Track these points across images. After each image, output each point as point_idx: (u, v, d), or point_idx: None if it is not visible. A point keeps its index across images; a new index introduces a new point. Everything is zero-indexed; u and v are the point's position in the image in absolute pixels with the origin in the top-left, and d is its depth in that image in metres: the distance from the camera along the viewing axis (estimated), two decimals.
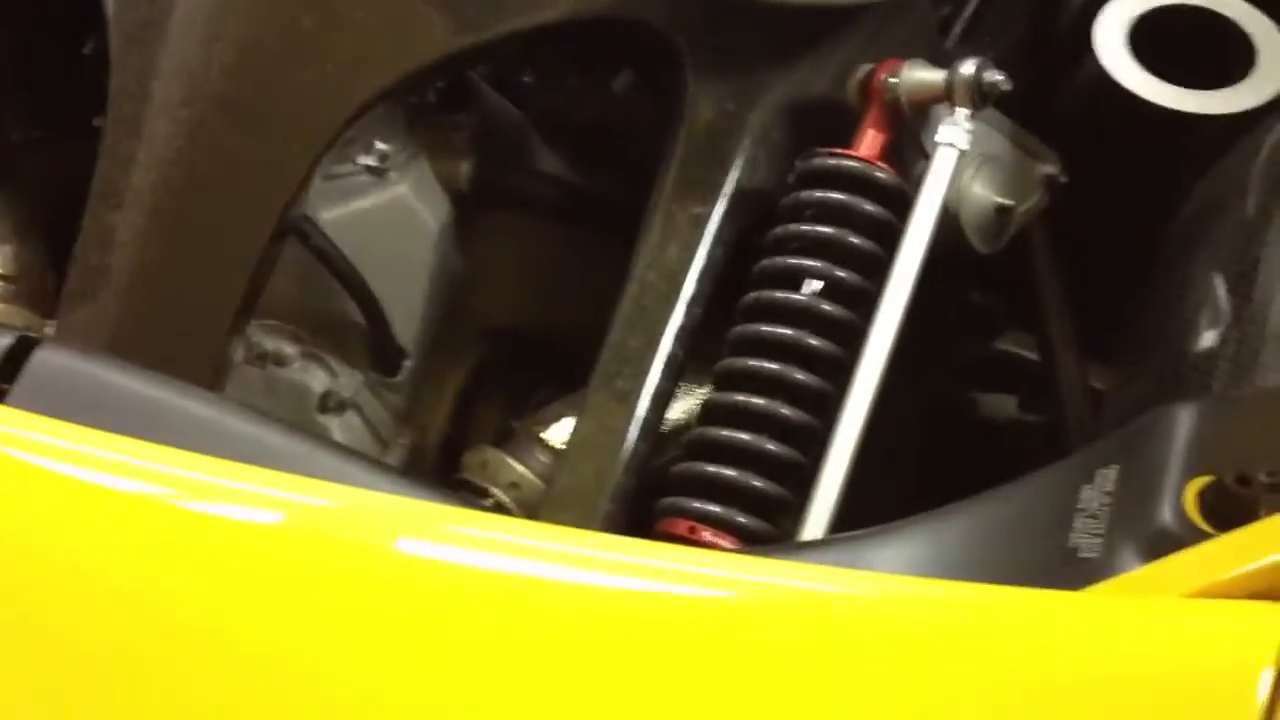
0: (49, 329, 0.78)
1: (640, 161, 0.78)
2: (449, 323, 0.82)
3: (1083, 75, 0.76)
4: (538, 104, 0.84)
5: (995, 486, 0.52)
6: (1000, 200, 0.72)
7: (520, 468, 0.75)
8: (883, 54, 0.71)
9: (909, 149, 0.71)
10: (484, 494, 0.75)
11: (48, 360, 0.55)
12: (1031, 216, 0.76)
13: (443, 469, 0.82)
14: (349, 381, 0.78)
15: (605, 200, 0.82)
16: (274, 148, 0.68)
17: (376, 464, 0.61)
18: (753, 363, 0.65)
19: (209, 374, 0.67)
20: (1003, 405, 0.89)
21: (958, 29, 0.83)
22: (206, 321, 0.67)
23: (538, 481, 0.74)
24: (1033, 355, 0.85)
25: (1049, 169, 0.76)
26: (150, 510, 0.46)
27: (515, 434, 0.78)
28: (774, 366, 0.64)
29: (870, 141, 0.70)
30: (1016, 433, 0.89)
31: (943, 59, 0.71)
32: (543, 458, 0.76)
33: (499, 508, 0.74)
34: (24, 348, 0.55)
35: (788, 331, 0.65)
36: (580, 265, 0.84)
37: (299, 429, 0.55)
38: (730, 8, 0.69)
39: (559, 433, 0.77)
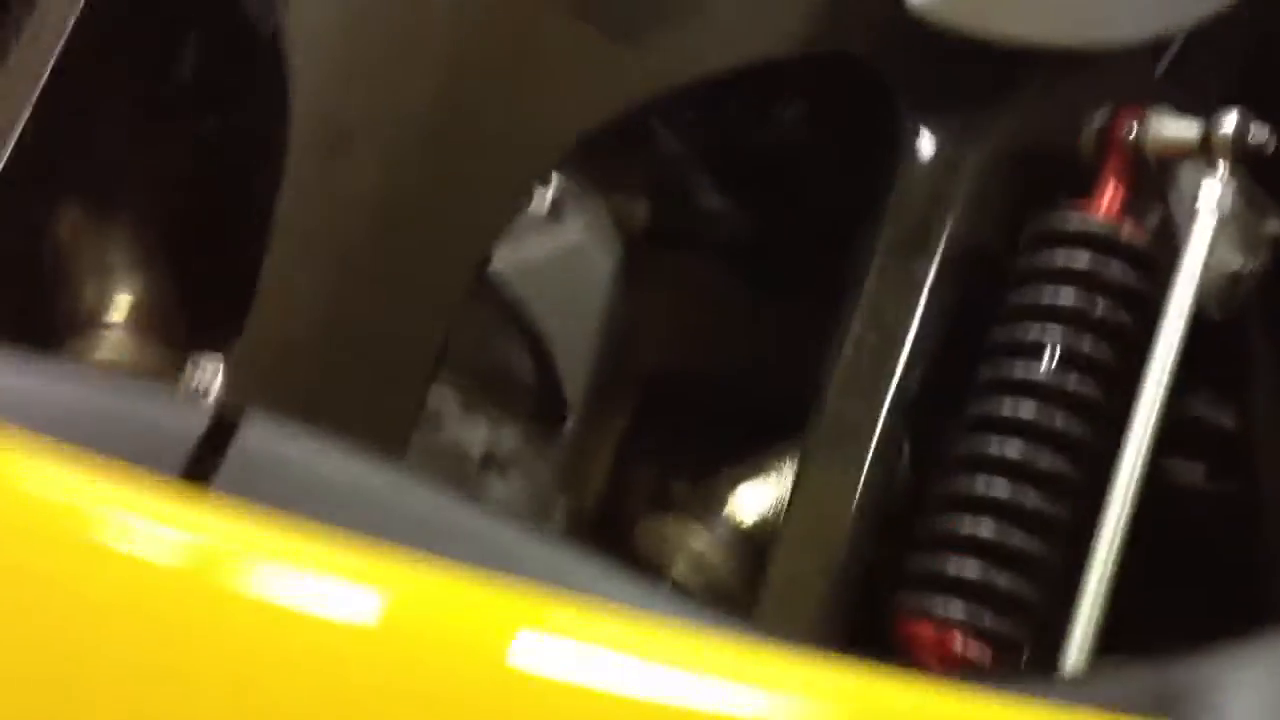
0: (194, 365, 0.73)
1: (813, 200, 0.74)
2: (610, 371, 0.77)
3: None
4: (700, 136, 0.79)
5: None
6: (1239, 263, 0.67)
7: (703, 545, 0.69)
8: (1117, 98, 0.66)
9: (1150, 204, 0.66)
10: (660, 571, 0.70)
11: (253, 440, 0.49)
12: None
13: (601, 534, 0.77)
14: (510, 436, 0.73)
15: (778, 242, 0.77)
16: (479, 187, 0.62)
17: (632, 577, 0.54)
18: (1000, 447, 0.60)
19: (404, 435, 0.61)
20: (1189, 472, 0.84)
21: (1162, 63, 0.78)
22: (403, 379, 0.61)
23: (723, 562, 0.69)
24: (1224, 419, 0.81)
25: (1276, 227, 0.70)
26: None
27: (690, 502, 0.73)
28: (1024, 452, 0.59)
29: (1112, 197, 0.64)
30: (1202, 502, 0.84)
31: (1184, 104, 0.66)
32: (726, 533, 0.70)
33: (677, 588, 0.69)
34: (226, 427, 0.49)
35: (1036, 412, 0.60)
36: (747, 310, 0.79)
37: (536, 528, 0.49)
38: (950, 41, 0.64)
39: (743, 503, 0.71)
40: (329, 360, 0.62)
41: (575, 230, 0.73)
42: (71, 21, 0.67)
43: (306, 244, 0.61)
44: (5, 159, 0.66)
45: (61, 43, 0.67)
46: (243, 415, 0.49)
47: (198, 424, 0.50)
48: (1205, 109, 0.67)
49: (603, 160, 0.74)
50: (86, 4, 0.68)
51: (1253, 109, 0.70)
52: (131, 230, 0.77)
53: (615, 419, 0.81)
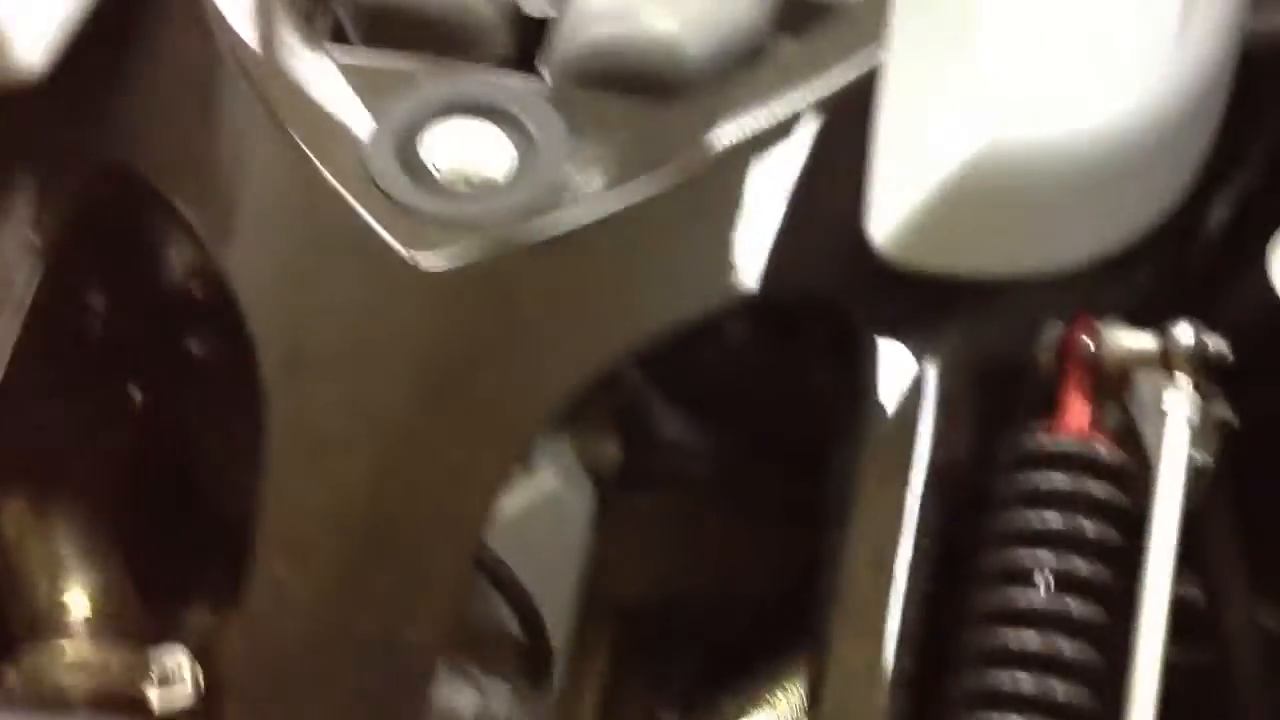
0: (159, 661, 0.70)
1: (779, 425, 0.74)
2: (590, 610, 0.76)
3: (1250, 299, 0.74)
4: (662, 371, 0.79)
5: None
6: (1201, 458, 0.69)
7: None
8: (1067, 311, 0.68)
9: (1109, 408, 0.68)
10: None
11: None
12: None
13: None
14: (500, 697, 0.71)
15: (748, 469, 0.78)
16: (463, 477, 0.61)
17: None
18: (1009, 681, 0.60)
19: None
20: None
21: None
22: (403, 682, 0.59)
23: None
24: (1193, 594, 0.83)
25: (1224, 414, 0.73)
26: None
27: None
28: (1036, 684, 0.59)
29: (1079, 413, 0.66)
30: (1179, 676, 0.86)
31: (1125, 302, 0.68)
32: None
33: None
34: None
35: (1039, 641, 0.60)
36: (721, 535, 0.78)
37: None
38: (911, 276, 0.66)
39: None
40: (324, 664, 0.60)
41: (549, 479, 0.73)
42: (17, 326, 0.66)
43: (295, 552, 0.60)
44: None
45: (8, 349, 0.66)
46: None
47: None
48: (1146, 306, 0.70)
49: (571, 403, 0.76)
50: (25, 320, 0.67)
51: (1183, 303, 0.74)
52: (79, 519, 0.75)
53: (599, 657, 0.80)
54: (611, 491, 0.75)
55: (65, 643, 0.69)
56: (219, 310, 0.69)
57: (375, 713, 0.58)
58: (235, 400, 0.73)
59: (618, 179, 0.65)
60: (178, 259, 0.74)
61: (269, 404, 0.61)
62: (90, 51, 0.68)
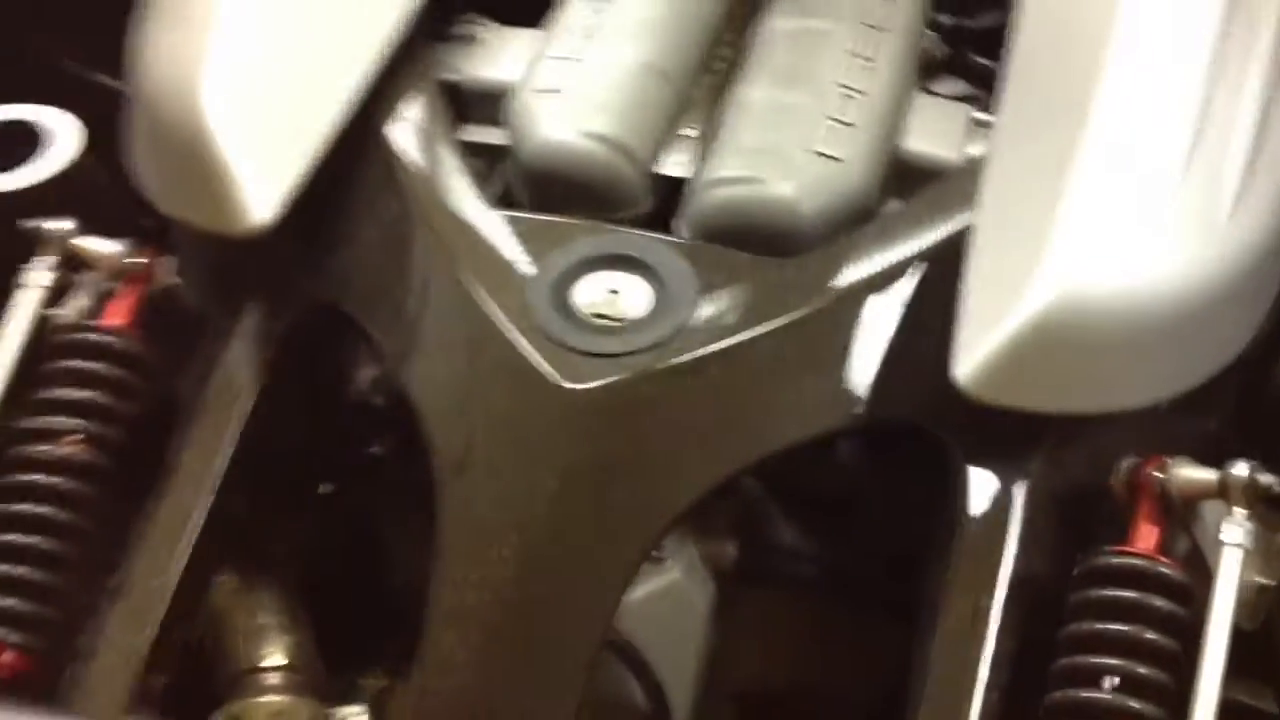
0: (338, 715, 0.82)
1: (880, 534, 0.83)
2: (707, 695, 0.85)
3: None
4: (779, 485, 0.87)
5: None
6: (1263, 581, 0.76)
7: None
8: (1140, 442, 0.76)
9: (1177, 533, 0.75)
10: None
11: None
12: None
13: None
14: None
15: (852, 574, 0.86)
16: (599, 565, 0.72)
17: None
18: None
19: None
20: None
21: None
22: None
23: None
24: (1266, 704, 0.88)
25: None
26: None
27: None
28: None
29: (1146, 535, 0.74)
30: None
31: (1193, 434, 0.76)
32: None
33: None
34: None
35: None
36: (827, 633, 0.87)
37: None
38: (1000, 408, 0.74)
39: None
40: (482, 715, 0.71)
41: (673, 573, 0.83)
42: (238, 431, 0.80)
43: (460, 625, 0.71)
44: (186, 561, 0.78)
45: (231, 450, 0.79)
46: None
47: None
48: (1216, 441, 0.77)
49: (696, 509, 0.86)
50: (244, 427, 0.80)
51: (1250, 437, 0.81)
52: (276, 594, 0.87)
53: None
54: (730, 587, 0.85)
55: (263, 700, 0.82)
56: (399, 420, 0.82)
57: None
58: (408, 496, 0.85)
59: (739, 319, 0.75)
60: (365, 378, 0.87)
61: (441, 499, 0.73)
62: (307, 207, 0.81)
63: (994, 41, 0.90)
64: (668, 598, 0.82)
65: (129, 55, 0.87)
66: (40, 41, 1.01)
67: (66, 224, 0.85)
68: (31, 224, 0.84)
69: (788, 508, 0.86)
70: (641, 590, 0.80)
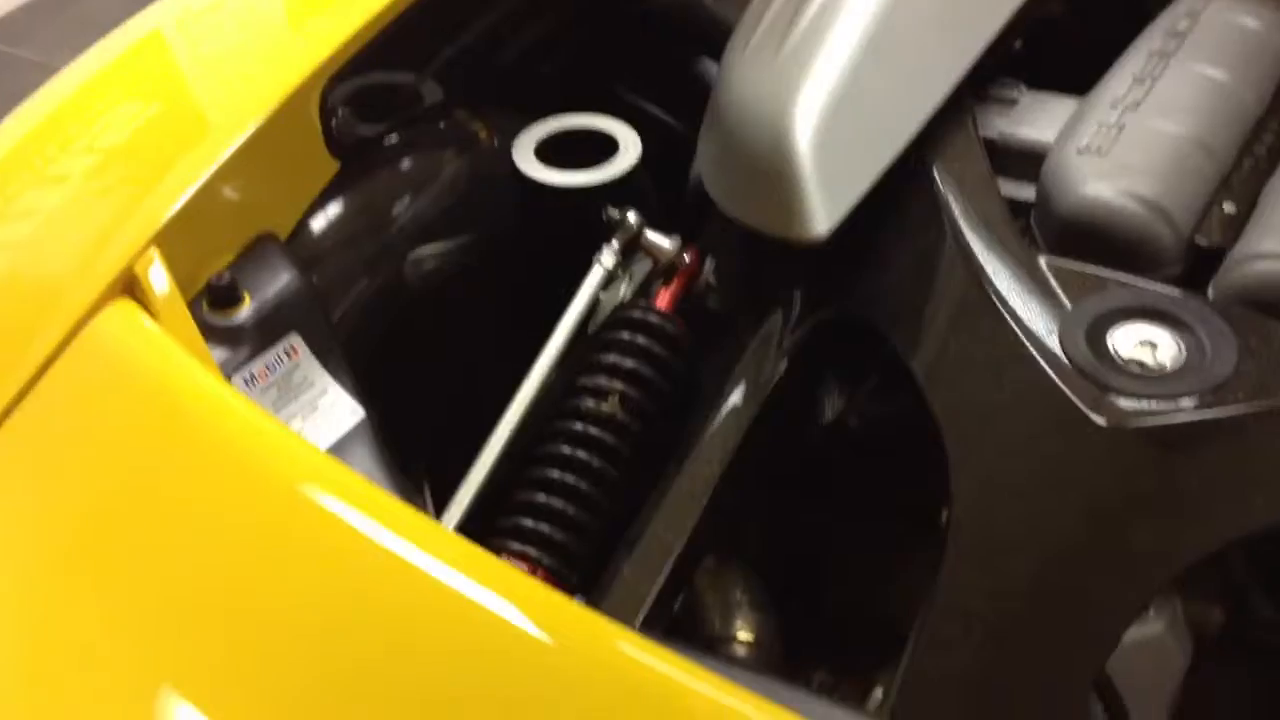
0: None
1: None
2: None
3: None
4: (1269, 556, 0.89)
5: None
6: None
7: None
8: None
9: None
10: None
11: None
12: None
13: None
14: None
15: None
16: (1108, 597, 0.74)
17: None
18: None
19: None
20: None
21: None
22: None
23: None
24: None
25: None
26: None
27: None
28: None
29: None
30: None
31: None
32: None
33: None
34: None
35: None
36: None
37: None
38: None
39: None
40: (971, 707, 0.75)
41: (1157, 627, 0.85)
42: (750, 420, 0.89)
43: (962, 616, 0.75)
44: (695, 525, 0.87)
45: (740, 437, 0.89)
46: None
47: None
48: None
49: (1188, 571, 0.87)
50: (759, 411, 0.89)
51: None
52: (747, 577, 0.96)
53: None
54: (1208, 651, 0.86)
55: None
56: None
57: None
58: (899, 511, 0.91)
59: (1270, 388, 0.77)
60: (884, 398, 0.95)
61: (959, 511, 0.77)
62: (851, 228, 0.89)
63: None
64: (1148, 650, 0.84)
65: (708, 83, 1.01)
66: (618, 85, 1.19)
67: (636, 216, 0.98)
68: (614, 211, 0.97)
69: (1274, 581, 0.87)
70: (1125, 637, 0.82)
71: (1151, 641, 0.83)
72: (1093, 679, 0.77)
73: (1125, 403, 0.76)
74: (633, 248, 0.98)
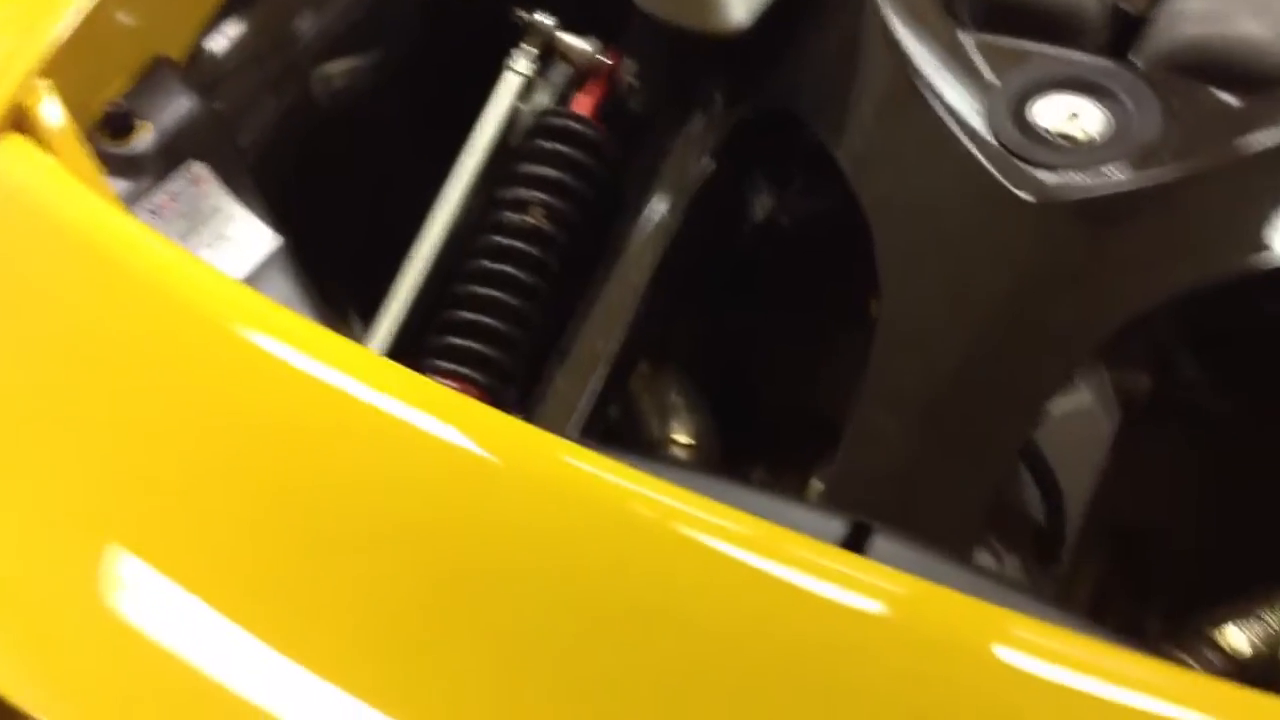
0: None
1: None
2: (1095, 521, 0.89)
3: None
4: (1193, 325, 0.89)
5: None
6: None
7: None
8: None
9: None
10: None
11: (884, 546, 0.64)
12: None
13: None
14: (1011, 566, 0.85)
15: (1250, 418, 0.88)
16: (1036, 367, 0.76)
17: None
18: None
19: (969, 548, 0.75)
20: None
21: None
22: (960, 518, 0.76)
23: None
24: None
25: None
26: None
27: (1173, 635, 0.83)
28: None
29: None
30: None
31: None
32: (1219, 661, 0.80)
33: None
34: (863, 532, 0.64)
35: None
36: (1210, 476, 0.90)
37: None
38: None
39: (1234, 637, 0.81)
40: (901, 491, 0.77)
41: (1085, 397, 0.87)
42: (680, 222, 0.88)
43: (892, 403, 0.77)
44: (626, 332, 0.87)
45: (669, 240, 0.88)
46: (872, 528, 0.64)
47: (835, 530, 0.66)
48: None
49: (1113, 340, 0.89)
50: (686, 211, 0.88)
51: None
52: (680, 379, 0.96)
53: (1098, 559, 0.93)
54: (1136, 420, 0.88)
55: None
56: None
57: (940, 515, 0.75)
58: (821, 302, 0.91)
59: (1196, 151, 0.77)
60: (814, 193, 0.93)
61: (887, 293, 0.78)
62: (769, 18, 0.87)
63: None
64: (1075, 419, 0.86)
65: None
66: None
67: (551, 19, 0.94)
68: (524, 14, 0.93)
69: (1202, 346, 0.89)
70: (1055, 408, 0.84)
71: (1079, 411, 0.85)
72: (1018, 450, 0.79)
73: (1052, 178, 0.76)
74: (549, 53, 0.95)
